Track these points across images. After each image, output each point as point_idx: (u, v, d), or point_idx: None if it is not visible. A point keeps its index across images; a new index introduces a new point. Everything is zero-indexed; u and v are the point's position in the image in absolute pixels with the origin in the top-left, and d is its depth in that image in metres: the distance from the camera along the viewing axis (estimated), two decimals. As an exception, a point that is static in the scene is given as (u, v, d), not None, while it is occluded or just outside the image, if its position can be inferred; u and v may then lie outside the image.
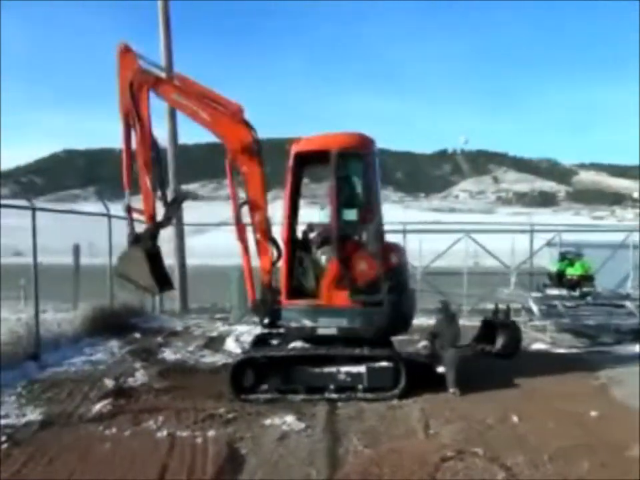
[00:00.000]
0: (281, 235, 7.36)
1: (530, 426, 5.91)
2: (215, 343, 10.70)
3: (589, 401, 6.78)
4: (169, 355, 9.68)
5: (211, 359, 9.37)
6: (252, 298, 7.56)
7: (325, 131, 7.73)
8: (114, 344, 10.39)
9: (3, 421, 6.06)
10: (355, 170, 7.50)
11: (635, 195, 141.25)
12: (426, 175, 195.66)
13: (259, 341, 8.22)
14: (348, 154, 7.24)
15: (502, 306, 9.77)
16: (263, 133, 7.65)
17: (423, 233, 14.05)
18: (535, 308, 10.83)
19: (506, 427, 5.91)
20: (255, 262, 7.52)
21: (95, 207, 12.91)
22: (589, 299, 11.10)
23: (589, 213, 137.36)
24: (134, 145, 7.45)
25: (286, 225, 7.35)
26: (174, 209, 7.84)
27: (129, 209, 7.58)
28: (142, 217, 7.56)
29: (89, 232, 13.54)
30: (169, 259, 15.00)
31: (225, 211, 7.69)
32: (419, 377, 7.07)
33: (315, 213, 8.32)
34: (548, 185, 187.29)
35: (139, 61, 7.52)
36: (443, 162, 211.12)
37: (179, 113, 8.17)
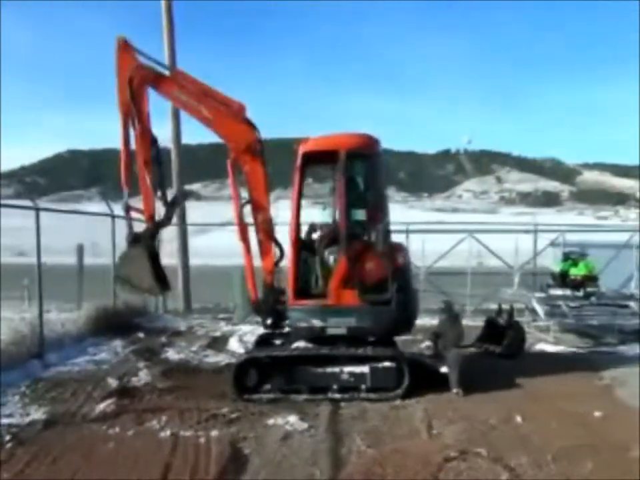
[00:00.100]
0: (289, 235, 7.33)
1: (533, 426, 5.90)
2: (218, 343, 10.71)
3: (592, 401, 6.76)
4: (172, 354, 9.69)
5: (214, 358, 9.38)
6: (254, 298, 7.56)
7: (328, 131, 7.73)
8: (117, 344, 10.41)
9: (7, 420, 6.08)
10: (362, 170, 7.54)
11: (638, 194, 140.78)
12: (429, 174, 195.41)
13: (262, 341, 8.23)
14: (356, 154, 7.26)
15: (505, 306, 9.78)
16: (265, 133, 7.63)
17: (426, 233, 14.02)
18: (538, 308, 10.81)
19: (509, 427, 5.90)
20: (257, 262, 7.51)
21: (98, 207, 12.94)
22: (592, 299, 11.08)
23: (593, 212, 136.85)
24: (133, 143, 7.32)
25: (293, 225, 7.33)
26: (174, 208, 7.73)
27: (127, 209, 7.47)
28: (141, 217, 7.49)
29: (93, 232, 13.55)
30: (172, 259, 15.09)
31: (228, 211, 7.65)
32: (422, 377, 7.06)
33: (315, 213, 8.34)
34: (551, 185, 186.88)
35: (139, 56, 7.35)
36: (446, 162, 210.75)
37: (183, 113, 8.13)
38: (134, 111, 7.18)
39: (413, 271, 8.87)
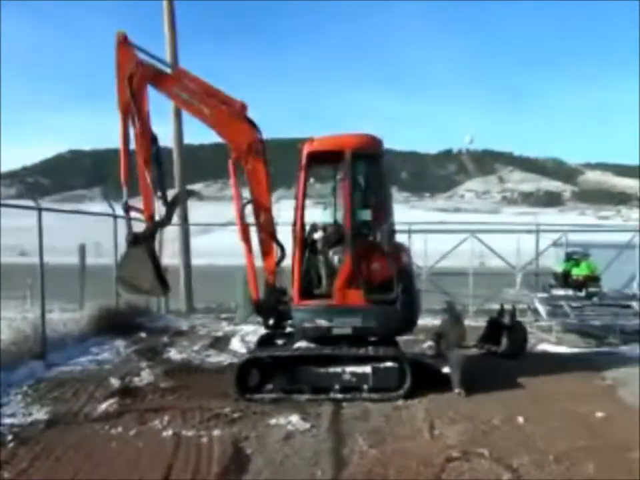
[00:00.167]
0: (294, 235, 7.32)
1: (535, 427, 5.89)
2: (220, 343, 10.71)
3: (594, 401, 6.74)
4: (174, 354, 9.70)
5: (217, 358, 9.38)
6: (255, 298, 7.56)
7: (329, 131, 7.73)
8: (120, 343, 10.42)
9: (10, 420, 6.09)
10: (367, 170, 7.54)
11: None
12: (431, 174, 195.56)
13: (264, 341, 8.23)
14: (361, 154, 7.27)
15: (508, 306, 9.79)
16: (266, 133, 7.59)
17: (428, 233, 14.00)
18: (540, 308, 10.80)
19: (511, 428, 5.89)
20: (258, 262, 7.51)
21: (100, 207, 12.95)
22: (595, 299, 11.07)
23: (595, 212, 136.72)
24: (133, 142, 7.19)
25: (299, 225, 7.31)
26: (174, 208, 7.61)
27: (127, 208, 7.33)
28: (141, 216, 7.37)
29: (95, 232, 13.59)
30: (174, 259, 15.12)
31: (230, 211, 7.63)
32: (424, 378, 7.06)
33: (316, 213, 8.33)
34: (554, 185, 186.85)
35: (139, 53, 7.19)
36: (448, 162, 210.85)
37: (184, 112, 8.08)
38: (134, 109, 7.02)
39: (415, 270, 8.87)
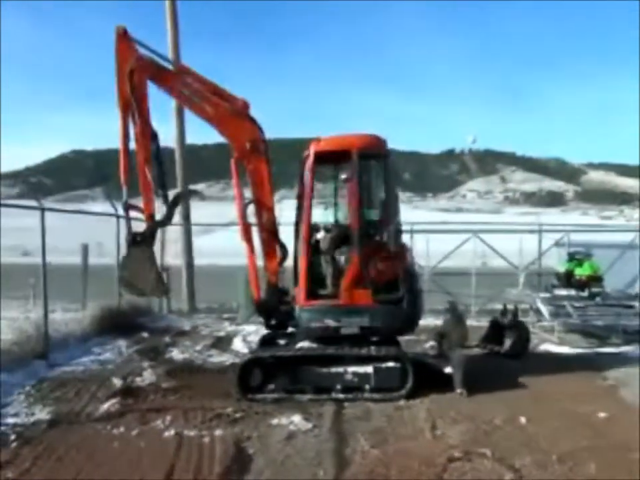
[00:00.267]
0: (301, 235, 7.32)
1: (538, 427, 5.88)
2: (222, 343, 10.72)
3: (596, 402, 6.73)
4: (176, 354, 9.70)
5: (219, 358, 9.39)
6: (257, 298, 7.55)
7: (330, 132, 7.74)
8: (122, 343, 10.42)
9: (12, 420, 6.10)
10: (374, 170, 7.58)
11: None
12: (433, 174, 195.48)
13: (266, 341, 8.23)
14: (368, 154, 7.31)
15: (510, 306, 9.78)
16: (268, 133, 7.55)
17: (431, 233, 13.98)
18: (543, 308, 10.78)
19: (514, 428, 5.88)
20: (260, 262, 7.49)
21: (103, 207, 12.95)
22: (597, 299, 11.04)
23: (598, 212, 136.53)
24: (133, 140, 6.97)
25: (306, 225, 7.31)
26: (175, 207, 7.43)
27: (127, 207, 7.10)
28: (141, 216, 7.17)
29: (97, 232, 13.60)
30: (177, 259, 15.13)
31: (233, 211, 7.60)
32: (426, 378, 7.05)
33: (317, 213, 8.31)
34: (556, 185, 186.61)
35: (139, 48, 6.92)
36: (451, 162, 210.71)
37: (186, 112, 8.02)
38: (134, 105, 6.75)
39: (417, 270, 8.88)
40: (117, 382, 7.62)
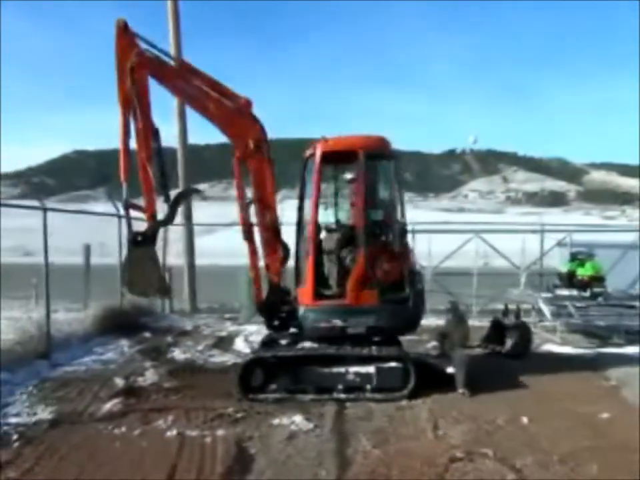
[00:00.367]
0: (308, 235, 7.34)
1: (540, 427, 5.88)
2: (224, 343, 10.73)
3: (598, 402, 6.73)
4: (178, 354, 9.71)
5: (220, 358, 9.39)
6: (259, 299, 7.55)
7: (331, 132, 7.74)
8: (124, 343, 10.43)
9: (14, 420, 6.12)
10: (380, 170, 7.62)
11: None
12: (435, 174, 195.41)
13: (268, 341, 8.22)
14: (374, 155, 7.34)
15: (512, 306, 9.77)
16: (270, 133, 7.50)
17: (432, 233, 13.96)
18: (545, 308, 10.77)
19: (516, 428, 5.88)
20: (262, 262, 7.49)
21: (105, 207, 12.95)
22: (599, 299, 11.03)
23: (600, 212, 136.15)
24: (133, 138, 6.72)
25: (313, 225, 7.31)
26: (177, 207, 7.21)
27: (127, 206, 6.83)
28: (142, 215, 6.94)
29: (100, 232, 13.60)
30: (179, 259, 15.13)
31: (235, 211, 7.59)
32: (428, 378, 7.05)
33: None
34: (558, 185, 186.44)
35: (141, 42, 6.65)
36: (452, 161, 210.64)
37: (189, 112, 7.96)
38: (135, 102, 6.49)
39: (419, 270, 8.88)
40: (119, 382, 7.64)
